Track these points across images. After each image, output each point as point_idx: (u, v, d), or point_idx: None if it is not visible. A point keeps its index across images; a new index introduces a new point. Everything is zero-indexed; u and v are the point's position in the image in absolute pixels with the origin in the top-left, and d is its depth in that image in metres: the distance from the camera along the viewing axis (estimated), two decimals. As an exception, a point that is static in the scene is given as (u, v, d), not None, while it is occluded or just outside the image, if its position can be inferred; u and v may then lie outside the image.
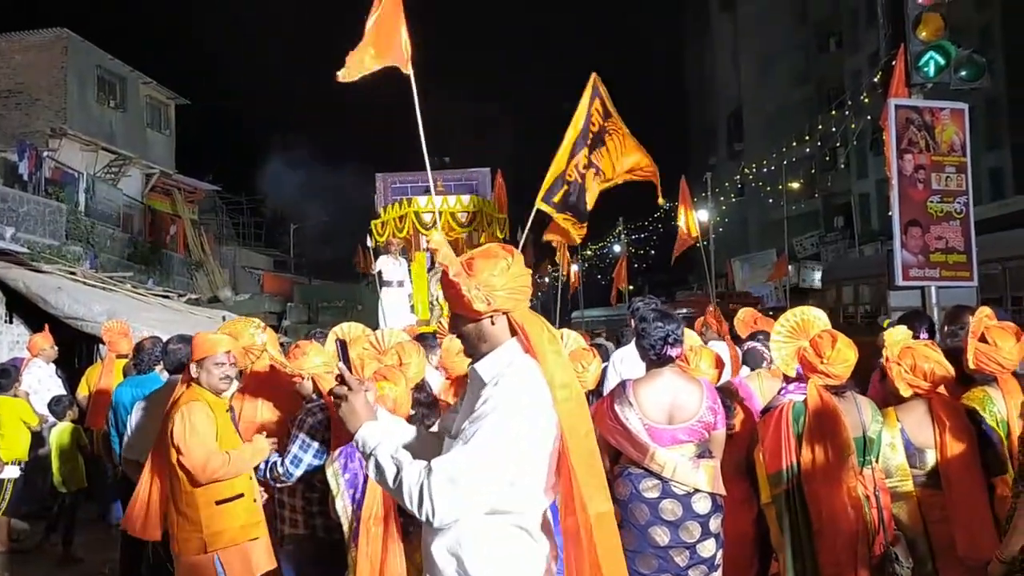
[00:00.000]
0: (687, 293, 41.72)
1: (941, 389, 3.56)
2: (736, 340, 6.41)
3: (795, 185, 35.96)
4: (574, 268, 29.29)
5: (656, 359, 3.46)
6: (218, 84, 52.47)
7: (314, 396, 4.09)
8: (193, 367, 3.89)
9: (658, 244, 38.81)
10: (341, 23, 10.19)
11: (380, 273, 11.85)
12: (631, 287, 37.65)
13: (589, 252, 41.73)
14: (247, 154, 38.75)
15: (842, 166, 35.48)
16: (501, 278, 2.13)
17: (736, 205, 38.49)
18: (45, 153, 20.91)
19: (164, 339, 5.35)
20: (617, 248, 36.53)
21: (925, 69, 7.80)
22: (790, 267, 31.64)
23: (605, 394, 4.18)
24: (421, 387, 3.80)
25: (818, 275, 36.60)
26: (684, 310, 18.89)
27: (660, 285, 50.24)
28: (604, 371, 5.31)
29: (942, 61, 7.78)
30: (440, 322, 7.11)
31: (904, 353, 3.55)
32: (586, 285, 37.06)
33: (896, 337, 3.65)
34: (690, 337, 3.99)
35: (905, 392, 3.56)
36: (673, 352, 3.45)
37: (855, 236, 32.41)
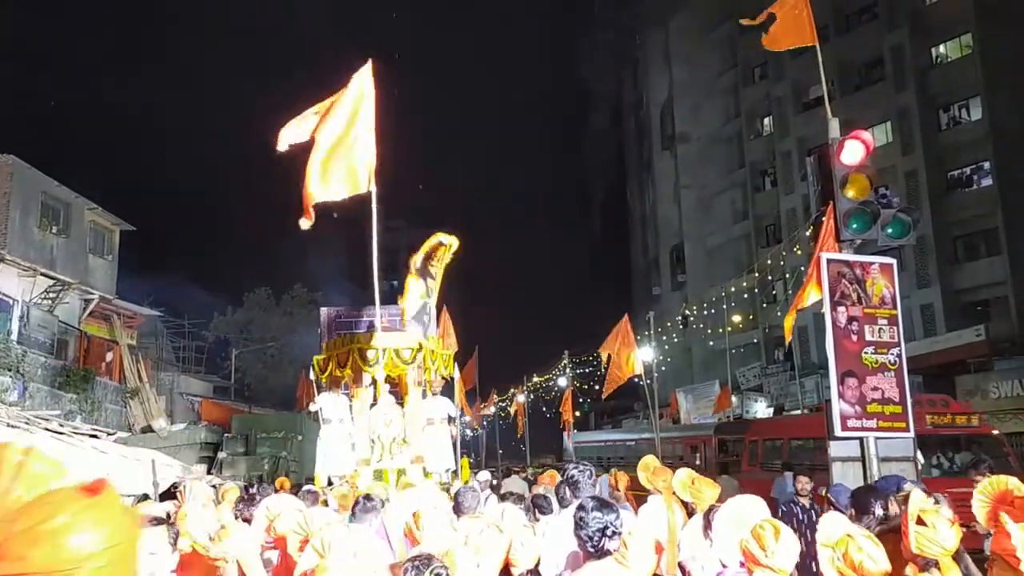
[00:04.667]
0: (634, 421, 41.72)
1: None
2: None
3: (737, 318, 36.74)
4: (520, 399, 29.16)
5: (593, 551, 3.35)
6: (166, 210, 52.58)
7: (239, 581, 3.89)
8: None
9: (602, 377, 39.14)
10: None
11: (321, 410, 11.66)
12: (577, 413, 37.61)
13: (536, 379, 41.76)
14: (192, 278, 38.49)
15: (779, 314, 36.53)
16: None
17: (680, 336, 39.07)
18: (-21, 281, 20.49)
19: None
20: (563, 381, 36.56)
21: (854, 226, 8.12)
22: (734, 398, 31.91)
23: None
24: None
25: (761, 405, 37.06)
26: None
27: (606, 413, 50.31)
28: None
29: (869, 219, 8.11)
30: None
31: (841, 541, 3.48)
32: (531, 416, 36.87)
33: (832, 521, 3.58)
34: (630, 520, 3.87)
35: None
36: (611, 545, 3.35)
37: (795, 368, 32.98)
